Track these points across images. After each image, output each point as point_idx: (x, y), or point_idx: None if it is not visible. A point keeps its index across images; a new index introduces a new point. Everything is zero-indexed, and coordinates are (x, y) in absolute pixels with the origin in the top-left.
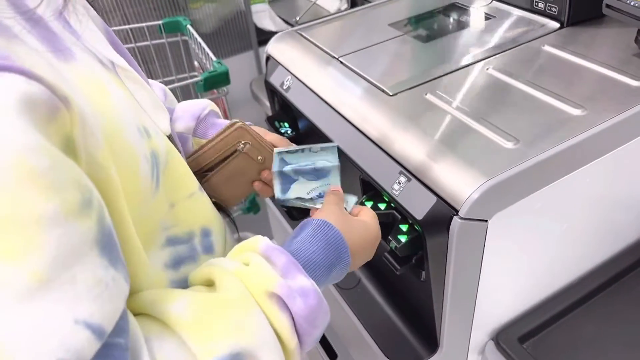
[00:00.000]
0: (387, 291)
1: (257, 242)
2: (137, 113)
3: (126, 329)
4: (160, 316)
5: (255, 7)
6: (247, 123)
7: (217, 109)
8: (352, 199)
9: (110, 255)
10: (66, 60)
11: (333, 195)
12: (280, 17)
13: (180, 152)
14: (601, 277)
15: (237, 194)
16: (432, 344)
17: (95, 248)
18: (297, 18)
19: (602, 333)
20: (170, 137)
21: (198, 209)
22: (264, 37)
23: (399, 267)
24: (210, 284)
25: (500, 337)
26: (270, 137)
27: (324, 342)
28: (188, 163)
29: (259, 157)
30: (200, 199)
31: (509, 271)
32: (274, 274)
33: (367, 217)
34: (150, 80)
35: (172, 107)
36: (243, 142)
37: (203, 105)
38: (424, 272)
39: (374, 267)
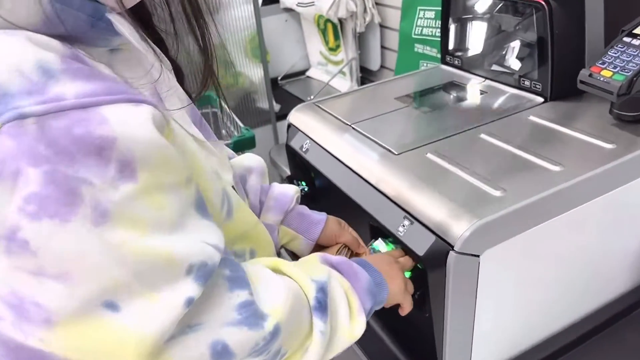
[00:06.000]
0: (395, 334)
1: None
2: (211, 163)
3: (230, 254)
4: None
5: None
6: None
7: (298, 194)
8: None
9: (203, 213)
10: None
11: None
12: (294, 95)
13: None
14: (592, 323)
15: None
16: None
17: (193, 207)
18: (311, 97)
19: None
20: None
21: (255, 237)
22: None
23: None
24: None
25: None
26: (345, 237)
27: None
28: None
29: None
30: (260, 229)
31: (502, 310)
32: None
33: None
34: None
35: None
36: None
37: (291, 195)
38: (427, 309)
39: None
